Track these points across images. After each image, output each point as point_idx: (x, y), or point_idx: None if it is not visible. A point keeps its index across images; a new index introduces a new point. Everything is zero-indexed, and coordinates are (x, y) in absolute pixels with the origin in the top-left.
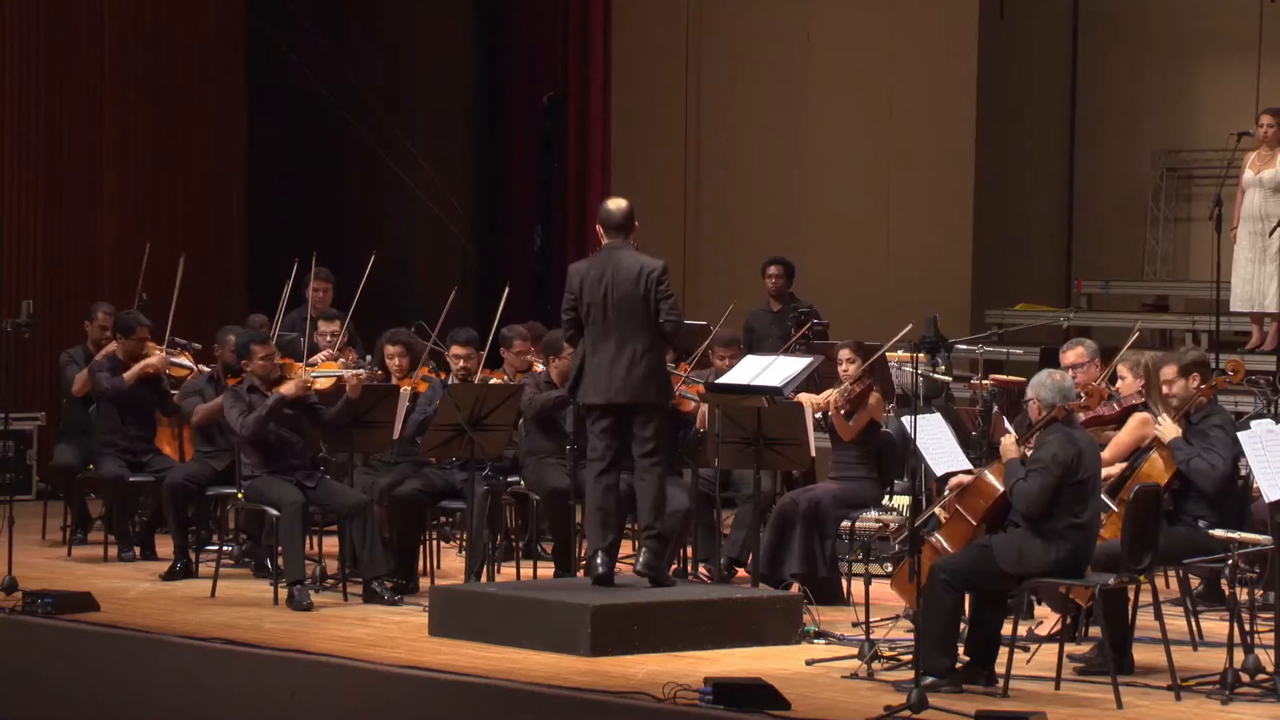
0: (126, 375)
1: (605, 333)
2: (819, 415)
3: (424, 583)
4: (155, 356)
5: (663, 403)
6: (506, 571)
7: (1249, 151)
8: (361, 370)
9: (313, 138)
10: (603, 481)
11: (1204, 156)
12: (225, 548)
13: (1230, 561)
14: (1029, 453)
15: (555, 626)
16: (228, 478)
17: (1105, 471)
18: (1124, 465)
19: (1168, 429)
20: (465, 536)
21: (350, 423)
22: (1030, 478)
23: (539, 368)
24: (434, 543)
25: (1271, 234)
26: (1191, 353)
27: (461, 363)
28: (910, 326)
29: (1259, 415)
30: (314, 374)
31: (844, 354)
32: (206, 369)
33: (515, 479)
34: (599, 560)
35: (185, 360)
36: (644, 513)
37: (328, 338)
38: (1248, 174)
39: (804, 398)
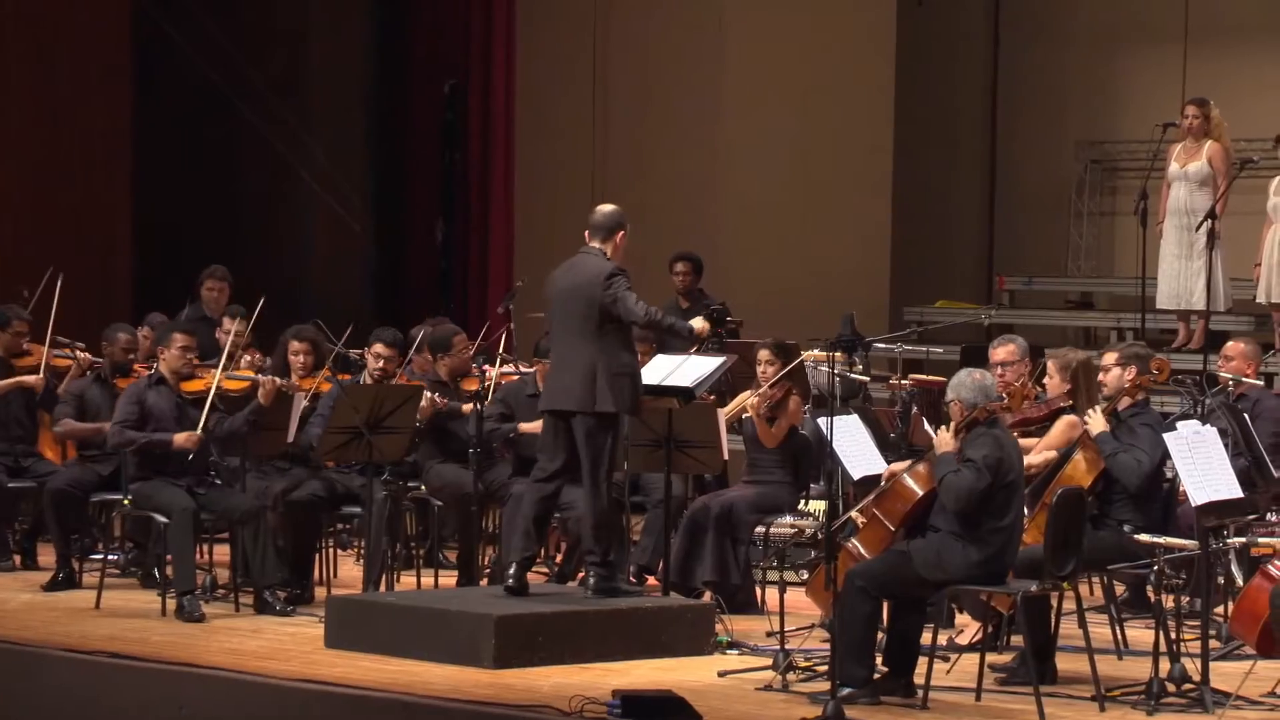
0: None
1: (558, 338)
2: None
3: (319, 592)
4: (32, 378)
5: (609, 411)
6: (406, 580)
7: (1174, 143)
8: (280, 379)
9: (204, 130)
10: (540, 490)
11: (1129, 148)
12: (111, 556)
13: (1156, 567)
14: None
15: (457, 637)
16: (113, 483)
17: (1030, 460)
18: (1044, 460)
19: (1095, 421)
20: (363, 544)
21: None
22: (962, 473)
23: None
24: (330, 550)
25: (1198, 229)
26: (1136, 346)
27: (382, 363)
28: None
29: (1185, 416)
30: (228, 376)
31: (763, 354)
32: (90, 366)
33: (416, 483)
34: (512, 572)
35: (72, 353)
36: (585, 535)
37: (230, 336)
38: (1173, 167)
39: (722, 415)
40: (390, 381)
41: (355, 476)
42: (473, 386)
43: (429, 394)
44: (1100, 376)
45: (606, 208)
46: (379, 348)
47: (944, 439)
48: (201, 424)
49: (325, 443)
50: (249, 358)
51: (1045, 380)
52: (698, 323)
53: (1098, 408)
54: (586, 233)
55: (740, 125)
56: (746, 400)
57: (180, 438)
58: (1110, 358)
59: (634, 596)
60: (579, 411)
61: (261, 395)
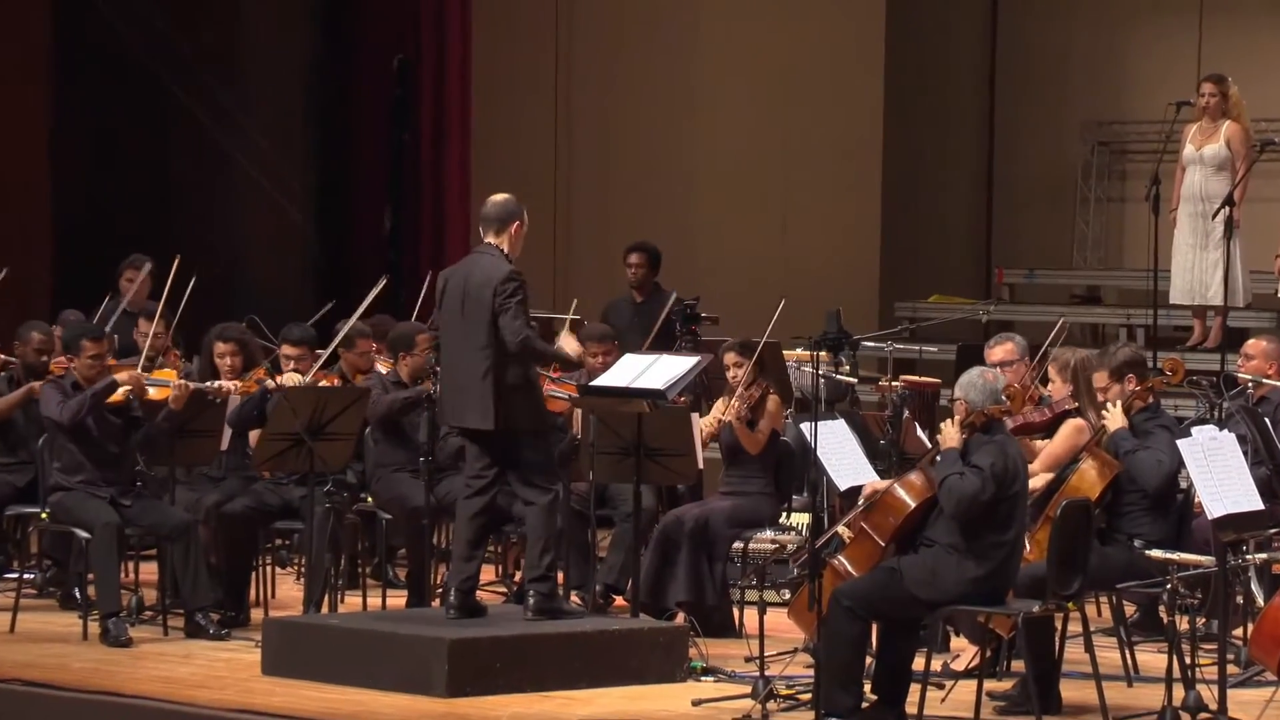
0: None
1: (453, 347)
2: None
3: (256, 614)
4: None
5: (531, 428)
6: (351, 601)
7: (1189, 124)
8: (207, 384)
9: (131, 110)
10: (473, 505)
11: (1139, 129)
12: (27, 575)
13: (1169, 586)
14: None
15: (407, 663)
16: (30, 495)
17: (1030, 483)
18: (1047, 480)
19: (1115, 416)
20: (304, 561)
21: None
22: (967, 477)
23: (384, 367)
24: (268, 568)
25: (1214, 217)
26: (1123, 351)
27: (292, 364)
28: (782, 302)
29: (1201, 421)
30: (147, 380)
31: (729, 358)
32: (3, 367)
33: (363, 495)
34: (452, 596)
35: None
36: (528, 552)
37: (149, 337)
38: (1188, 149)
39: (696, 420)
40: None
41: (295, 487)
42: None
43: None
44: (1099, 398)
45: (499, 197)
46: (287, 348)
47: (949, 433)
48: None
49: (262, 450)
50: (169, 358)
51: (1048, 385)
52: (571, 346)
53: (1118, 403)
54: (480, 227)
55: (715, 104)
56: (722, 409)
57: (123, 376)
58: (1100, 377)
59: (577, 618)
60: (510, 431)
61: (172, 400)
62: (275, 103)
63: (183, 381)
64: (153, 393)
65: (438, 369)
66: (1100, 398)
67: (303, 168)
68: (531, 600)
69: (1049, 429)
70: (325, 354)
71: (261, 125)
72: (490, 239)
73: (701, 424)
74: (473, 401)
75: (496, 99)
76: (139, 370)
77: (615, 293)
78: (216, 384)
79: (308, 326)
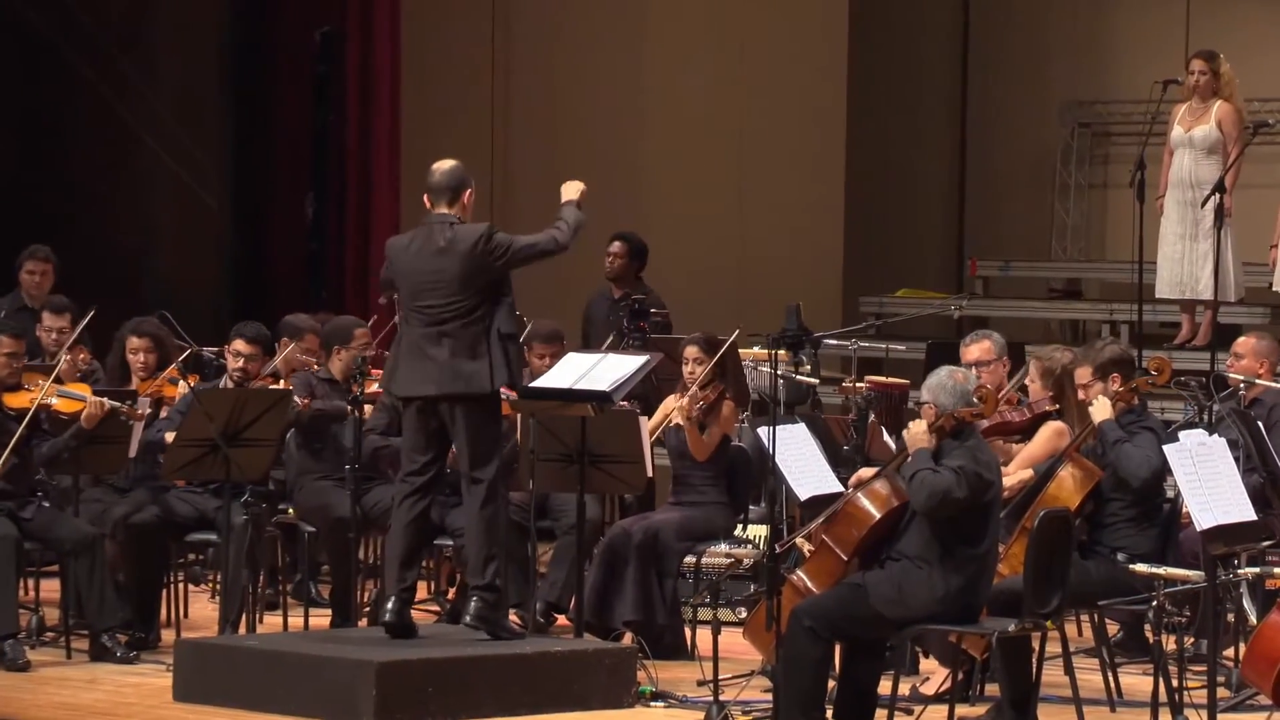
0: None
1: (423, 317)
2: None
3: (167, 635)
4: None
5: (490, 401)
6: (271, 620)
7: (1177, 104)
8: (123, 406)
9: (28, 86)
10: (410, 510)
11: (1123, 110)
12: None
13: (1155, 603)
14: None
15: (332, 688)
16: None
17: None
18: (1020, 483)
19: (1100, 407)
20: (219, 577)
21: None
22: (942, 473)
23: (317, 365)
24: (180, 585)
25: (1204, 204)
26: (1109, 348)
27: (242, 362)
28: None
29: (1189, 424)
30: (59, 392)
31: (690, 352)
32: None
33: (283, 505)
34: (389, 606)
35: None
36: (471, 557)
37: (54, 335)
38: (1176, 131)
39: (645, 426)
40: (252, 384)
41: (210, 497)
42: (372, 389)
43: (297, 396)
44: (1080, 396)
45: (446, 164)
46: (239, 344)
47: (918, 432)
48: (11, 446)
49: (174, 457)
50: (77, 358)
51: (1027, 383)
52: (571, 190)
53: (1104, 397)
54: (426, 198)
55: (666, 83)
56: (673, 407)
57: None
58: (1084, 373)
59: (516, 639)
60: (463, 396)
61: (85, 418)
62: (187, 78)
63: (99, 400)
64: (61, 404)
65: (369, 368)
66: (1083, 396)
67: (217, 150)
68: (473, 605)
69: (1027, 431)
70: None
71: (172, 103)
72: (443, 209)
73: (645, 422)
74: (443, 368)
75: (428, 77)
76: (47, 380)
77: (561, 290)
78: (130, 405)
79: (262, 326)
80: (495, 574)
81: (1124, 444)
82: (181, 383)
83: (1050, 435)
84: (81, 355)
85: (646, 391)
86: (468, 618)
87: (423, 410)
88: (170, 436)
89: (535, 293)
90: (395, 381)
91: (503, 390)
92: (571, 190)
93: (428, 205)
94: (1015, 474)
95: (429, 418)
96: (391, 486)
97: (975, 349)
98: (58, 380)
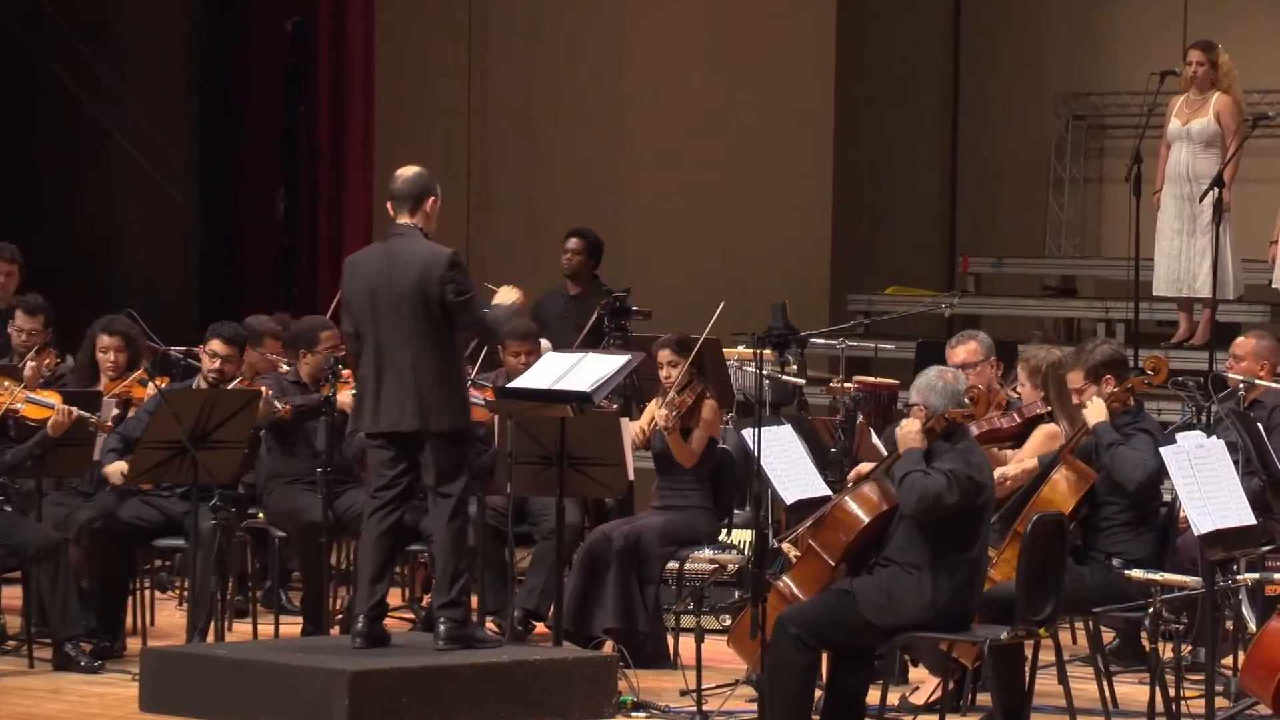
0: None
1: (381, 341)
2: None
3: (133, 644)
4: None
5: (454, 428)
6: (240, 629)
7: (1175, 96)
8: (92, 417)
9: None
10: (381, 523)
11: (1119, 102)
12: None
13: (1151, 610)
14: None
15: (302, 698)
16: None
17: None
18: (1023, 472)
19: (1095, 409)
20: (187, 584)
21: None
22: (933, 475)
23: (284, 367)
24: (146, 592)
25: (1202, 199)
26: (1100, 349)
27: (219, 363)
28: (721, 305)
29: (1187, 426)
30: (28, 398)
31: (664, 355)
32: None
33: (254, 510)
34: (359, 626)
35: None
36: (438, 573)
37: (24, 335)
38: (1173, 124)
39: (626, 426)
40: (227, 386)
41: (177, 501)
42: (343, 393)
43: (273, 398)
44: (1074, 401)
45: (408, 171)
46: (216, 344)
47: (910, 431)
48: None
49: (140, 460)
50: (43, 363)
51: (1017, 388)
52: (507, 297)
53: (1098, 398)
54: (390, 205)
55: (648, 74)
56: (655, 412)
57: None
58: (1075, 376)
59: (493, 647)
60: (430, 432)
61: (51, 426)
62: (155, 70)
63: (68, 409)
64: (28, 410)
65: (340, 369)
66: (1076, 400)
67: (185, 144)
68: (442, 628)
69: (1018, 437)
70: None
71: (139, 96)
72: (404, 219)
73: (632, 429)
74: (400, 401)
75: (403, 67)
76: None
77: (536, 286)
78: (99, 416)
79: (239, 327)
80: (462, 590)
81: (1119, 447)
82: (151, 384)
83: (1043, 440)
84: (48, 360)
85: (628, 392)
86: (440, 643)
87: (384, 441)
88: (113, 468)
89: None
90: (362, 418)
91: (481, 394)
92: (507, 297)
93: (390, 214)
94: (1019, 463)
95: (388, 445)
96: (362, 491)
97: (962, 350)
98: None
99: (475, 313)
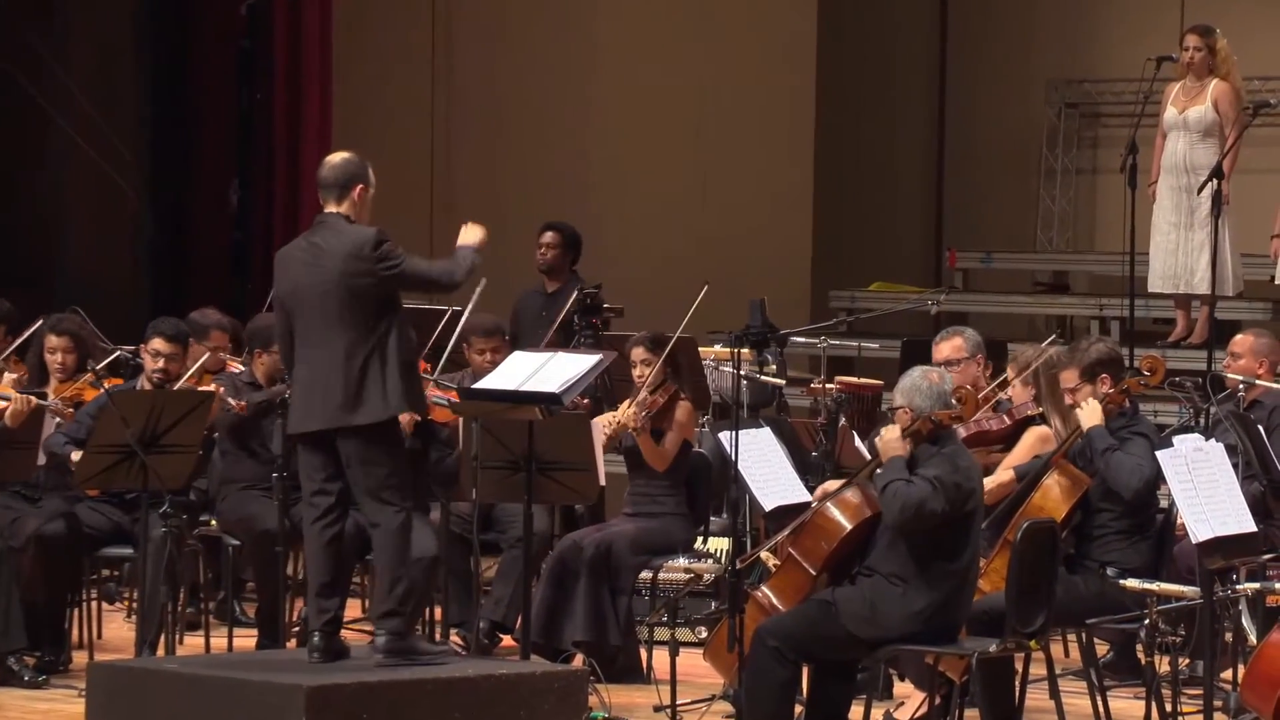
0: None
1: (309, 337)
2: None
3: (79, 658)
4: None
5: (381, 420)
6: (192, 642)
7: (1171, 83)
8: (50, 403)
9: None
10: (324, 533)
11: (1113, 89)
12: None
13: (1147, 621)
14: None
15: (258, 715)
16: None
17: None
18: (1002, 482)
19: (1090, 412)
20: (136, 595)
21: None
22: (915, 484)
23: (236, 366)
24: (93, 604)
25: (1200, 191)
26: (1096, 347)
27: (162, 362)
28: (705, 288)
29: (1185, 429)
30: None
31: (636, 353)
32: None
33: (207, 517)
34: (314, 642)
35: None
36: (378, 583)
37: None
38: (1170, 112)
39: (597, 424)
40: (173, 386)
41: (126, 508)
42: None
43: (229, 398)
44: (1067, 400)
45: (336, 158)
46: (158, 343)
47: (891, 439)
48: None
49: (86, 465)
50: (13, 376)
51: (1007, 390)
52: (471, 235)
53: (1094, 399)
54: (320, 195)
55: (620, 60)
56: (626, 411)
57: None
58: (1070, 375)
59: (439, 658)
60: (357, 428)
61: (10, 415)
62: (102, 55)
63: (26, 396)
64: None
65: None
66: (1069, 400)
67: (134, 133)
68: (380, 640)
69: (1008, 439)
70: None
71: (85, 82)
72: (331, 207)
73: (600, 424)
74: (333, 397)
75: (363, 52)
76: None
77: (504, 282)
78: (58, 404)
79: (181, 322)
80: (402, 599)
81: (1114, 452)
82: (102, 386)
83: (1034, 443)
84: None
85: (599, 393)
86: (378, 656)
87: (315, 442)
88: (76, 455)
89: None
90: (290, 419)
91: (445, 395)
92: (470, 235)
93: (321, 204)
94: (996, 477)
95: (319, 447)
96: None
97: (946, 347)
98: None
99: (418, 272)
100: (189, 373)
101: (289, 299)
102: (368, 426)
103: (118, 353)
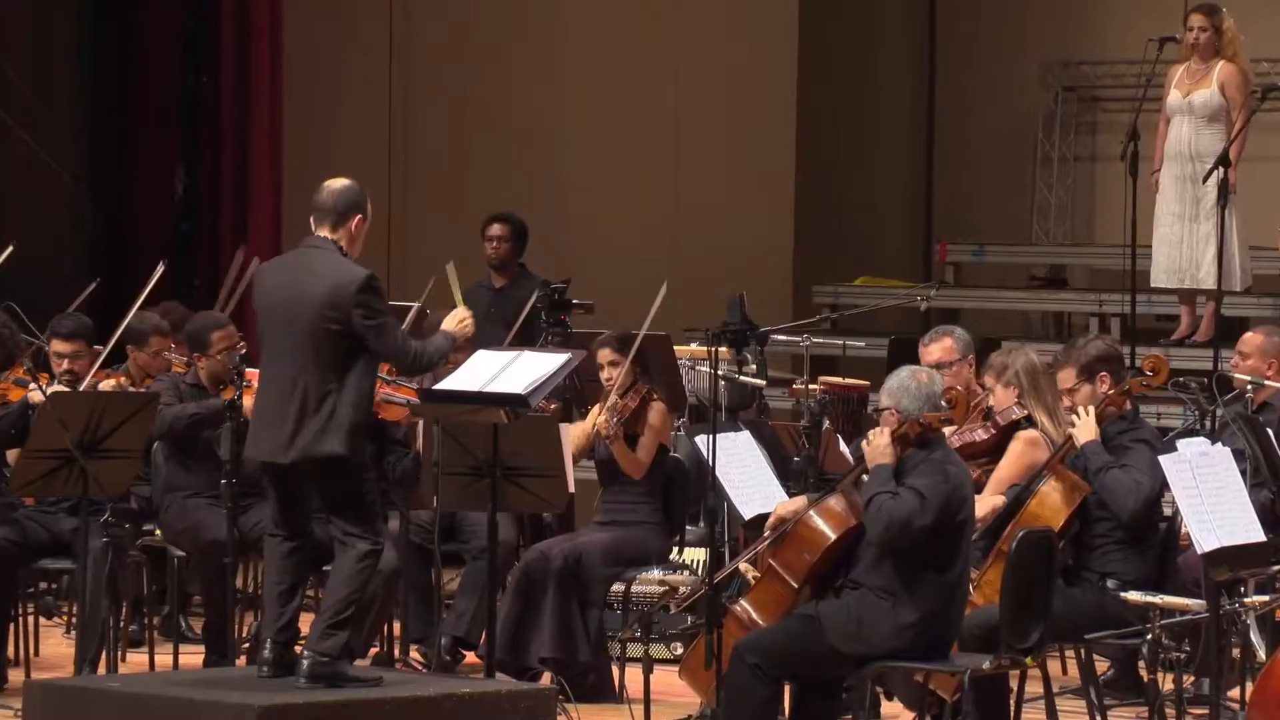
0: None
1: (278, 364)
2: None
3: (15, 676)
4: None
5: (352, 460)
6: (136, 659)
7: (1175, 65)
8: None
9: None
10: (281, 546)
11: (1113, 71)
12: None
13: (1150, 636)
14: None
15: None
16: None
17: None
18: (994, 506)
19: (1084, 428)
20: (75, 609)
21: None
22: (902, 497)
23: (180, 367)
24: (29, 618)
25: (1206, 180)
26: (1094, 344)
27: (66, 363)
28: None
29: (1190, 432)
30: None
31: (604, 354)
32: None
33: (150, 527)
34: (265, 652)
35: None
36: (325, 598)
37: None
38: (1173, 96)
39: (567, 432)
40: (80, 386)
41: (64, 517)
42: (249, 397)
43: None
44: (1065, 402)
45: (337, 184)
46: (56, 344)
47: (878, 445)
48: None
49: (22, 471)
50: None
51: (990, 398)
52: (451, 323)
53: (1089, 410)
54: (312, 219)
55: (589, 44)
56: (598, 416)
57: None
58: (1067, 374)
59: (369, 687)
60: (326, 461)
61: None
62: (37, 34)
63: None
64: None
65: (245, 369)
66: (1066, 401)
67: (72, 115)
68: (305, 664)
69: (996, 449)
70: (105, 350)
71: (19, 62)
72: (324, 232)
73: (572, 433)
74: (294, 431)
75: (316, 32)
76: None
77: (468, 281)
78: None
79: (82, 317)
80: (340, 623)
81: (1111, 470)
82: (34, 386)
83: (1023, 449)
84: None
85: (568, 394)
86: (300, 680)
87: (274, 473)
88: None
89: (419, 280)
90: (250, 443)
91: (405, 394)
92: (451, 323)
93: (312, 227)
94: (984, 501)
95: (279, 477)
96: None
97: (935, 348)
98: None
99: (391, 341)
100: (90, 374)
101: (261, 315)
102: (327, 463)
103: (39, 347)
